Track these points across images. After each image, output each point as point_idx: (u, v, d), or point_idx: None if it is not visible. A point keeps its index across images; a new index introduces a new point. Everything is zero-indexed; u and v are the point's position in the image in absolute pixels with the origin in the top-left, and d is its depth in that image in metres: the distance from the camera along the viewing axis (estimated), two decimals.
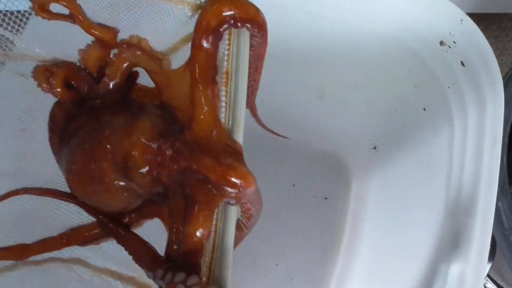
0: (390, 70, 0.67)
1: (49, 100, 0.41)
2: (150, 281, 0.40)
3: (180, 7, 0.37)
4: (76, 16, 0.37)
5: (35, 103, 0.43)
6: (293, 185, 0.98)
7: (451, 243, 0.57)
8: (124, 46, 0.37)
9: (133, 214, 0.40)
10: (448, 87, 0.60)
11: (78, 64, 0.39)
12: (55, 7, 0.38)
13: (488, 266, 0.56)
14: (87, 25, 0.37)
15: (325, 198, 0.98)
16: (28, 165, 0.46)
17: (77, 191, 0.38)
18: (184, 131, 0.34)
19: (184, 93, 0.34)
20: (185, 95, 0.34)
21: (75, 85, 0.39)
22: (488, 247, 0.53)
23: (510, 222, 0.72)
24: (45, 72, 0.38)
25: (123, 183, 0.36)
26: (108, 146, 0.35)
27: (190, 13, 0.38)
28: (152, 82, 0.38)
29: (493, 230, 0.62)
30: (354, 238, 0.93)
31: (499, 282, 0.77)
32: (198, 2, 0.38)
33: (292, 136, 0.98)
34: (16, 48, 0.41)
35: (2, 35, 0.40)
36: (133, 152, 0.34)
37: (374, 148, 0.90)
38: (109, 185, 0.36)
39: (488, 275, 0.77)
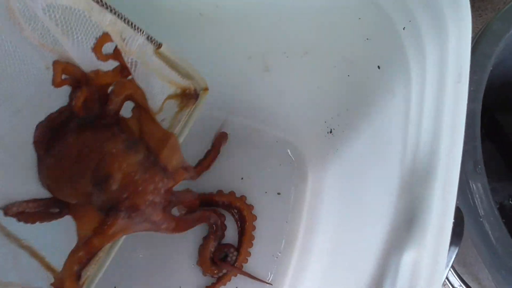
0: (336, 24, 0.56)
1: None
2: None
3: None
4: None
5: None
6: (242, 179, 0.86)
7: (405, 226, 0.45)
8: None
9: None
10: (404, 28, 0.48)
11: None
12: None
13: (452, 254, 0.44)
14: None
15: (278, 194, 0.85)
16: None
17: (50, 183, 0.46)
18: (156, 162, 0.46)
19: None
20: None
21: (89, 104, 0.46)
22: (450, 229, 0.41)
23: (486, 207, 0.60)
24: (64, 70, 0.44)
25: (89, 189, 0.44)
26: (95, 161, 0.43)
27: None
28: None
29: (464, 218, 0.50)
30: (309, 236, 0.80)
31: (464, 277, 0.65)
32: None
33: (240, 122, 0.86)
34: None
35: None
36: (116, 175, 0.43)
37: (331, 131, 0.78)
38: (78, 186, 0.44)
39: (453, 267, 0.64)
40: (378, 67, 0.56)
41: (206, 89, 0.54)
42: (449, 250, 0.40)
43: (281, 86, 0.76)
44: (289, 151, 0.87)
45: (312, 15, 0.57)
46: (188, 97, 0.53)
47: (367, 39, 0.55)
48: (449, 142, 0.42)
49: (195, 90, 0.54)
